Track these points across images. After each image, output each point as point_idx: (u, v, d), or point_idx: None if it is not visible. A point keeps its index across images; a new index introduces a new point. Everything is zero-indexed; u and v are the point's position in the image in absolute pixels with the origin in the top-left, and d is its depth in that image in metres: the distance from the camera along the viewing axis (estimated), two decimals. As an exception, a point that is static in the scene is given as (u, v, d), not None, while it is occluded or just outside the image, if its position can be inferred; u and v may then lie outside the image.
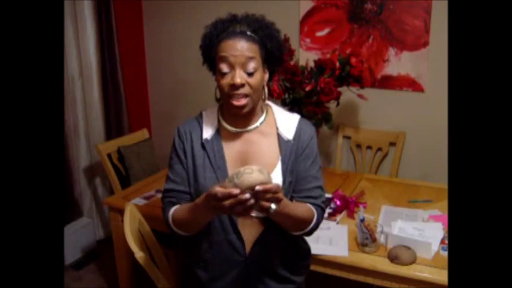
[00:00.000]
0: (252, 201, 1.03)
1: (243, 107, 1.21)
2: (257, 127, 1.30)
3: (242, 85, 1.18)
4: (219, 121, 1.32)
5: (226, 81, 1.19)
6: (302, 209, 1.26)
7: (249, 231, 1.28)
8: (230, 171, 1.27)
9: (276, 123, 1.33)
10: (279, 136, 1.31)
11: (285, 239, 1.32)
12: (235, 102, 1.20)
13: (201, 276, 1.34)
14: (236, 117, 1.27)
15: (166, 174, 1.36)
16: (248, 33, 1.21)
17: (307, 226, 1.28)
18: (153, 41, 3.31)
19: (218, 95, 1.28)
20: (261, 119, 1.31)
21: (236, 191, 1.01)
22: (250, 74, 1.19)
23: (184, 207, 1.26)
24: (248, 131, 1.30)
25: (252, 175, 1.02)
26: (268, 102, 1.36)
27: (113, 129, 2.98)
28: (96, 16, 2.80)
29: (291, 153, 1.29)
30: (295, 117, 1.36)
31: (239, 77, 1.17)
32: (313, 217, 1.28)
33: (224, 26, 1.23)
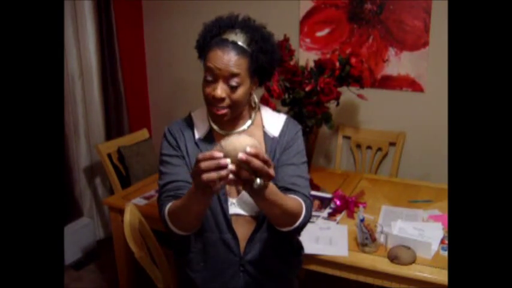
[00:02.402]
0: (230, 166, 0.93)
1: (223, 116, 1.22)
2: (246, 129, 1.31)
3: (223, 99, 1.19)
4: (208, 122, 1.32)
5: (208, 90, 1.20)
6: (291, 201, 1.20)
7: (243, 229, 1.29)
8: None
9: (262, 123, 1.34)
10: (264, 134, 1.32)
11: (278, 236, 1.31)
12: (216, 111, 1.21)
13: (196, 277, 1.33)
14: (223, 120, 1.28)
15: (159, 176, 1.30)
16: (240, 44, 1.19)
17: (296, 220, 1.22)
18: (153, 41, 3.31)
19: None
20: (249, 122, 1.32)
21: (218, 154, 0.93)
22: (233, 88, 1.19)
23: (178, 199, 1.19)
24: (235, 133, 1.29)
25: (239, 137, 0.95)
26: (259, 105, 1.37)
27: (113, 129, 2.99)
28: (96, 16, 2.80)
29: (276, 149, 1.30)
30: (282, 117, 1.38)
31: (220, 89, 1.18)
32: (301, 210, 1.22)
33: (219, 30, 1.22)
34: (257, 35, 1.21)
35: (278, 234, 1.31)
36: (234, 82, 1.18)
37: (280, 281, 1.38)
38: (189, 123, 1.33)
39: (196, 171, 0.96)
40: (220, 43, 1.19)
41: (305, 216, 1.24)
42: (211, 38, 1.21)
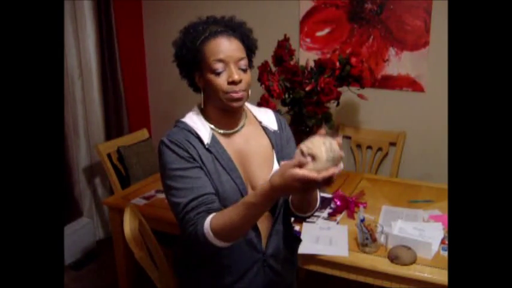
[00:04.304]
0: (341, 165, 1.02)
1: (241, 99, 1.22)
2: (244, 125, 1.32)
3: (240, 81, 1.20)
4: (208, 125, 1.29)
5: (222, 79, 1.19)
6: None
7: (263, 225, 1.30)
8: (240, 170, 1.26)
9: (256, 119, 1.37)
10: (264, 129, 1.35)
11: (287, 226, 1.37)
12: (235, 95, 1.20)
13: (218, 283, 1.30)
14: (224, 118, 1.28)
15: (170, 193, 1.19)
16: (230, 31, 1.22)
17: (316, 203, 1.33)
18: (153, 41, 3.31)
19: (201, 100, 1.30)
20: (244, 118, 1.34)
21: (336, 169, 0.98)
22: (243, 71, 1.21)
23: (227, 212, 1.11)
24: (237, 131, 1.31)
25: (334, 143, 0.99)
26: None
27: (113, 129, 2.98)
28: (96, 16, 2.80)
29: (281, 142, 1.35)
30: (269, 110, 1.42)
31: (237, 73, 1.19)
32: (317, 195, 1.35)
33: (203, 27, 1.23)
34: (234, 23, 1.26)
35: (287, 225, 1.36)
36: (243, 65, 1.21)
37: (291, 267, 1.43)
38: (189, 130, 1.25)
39: (317, 185, 0.99)
40: (216, 33, 1.20)
41: (319, 203, 1.36)
42: (198, 37, 1.22)
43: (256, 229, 1.28)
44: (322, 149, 0.98)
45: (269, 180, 1.02)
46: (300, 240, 1.51)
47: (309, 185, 0.98)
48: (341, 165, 1.01)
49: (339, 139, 1.01)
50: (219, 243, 1.12)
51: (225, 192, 1.21)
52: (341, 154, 1.00)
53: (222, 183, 1.22)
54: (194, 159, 1.20)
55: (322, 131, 1.03)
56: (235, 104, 1.22)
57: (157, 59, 3.32)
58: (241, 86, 1.20)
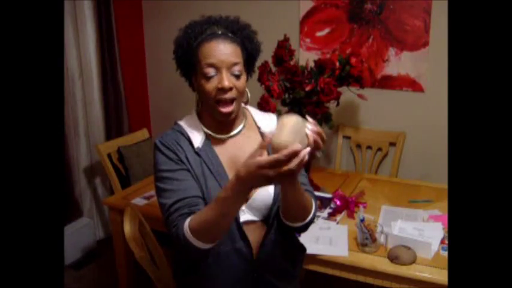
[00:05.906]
0: (308, 149, 0.97)
1: (231, 113, 1.19)
2: (241, 131, 1.29)
3: (230, 88, 1.16)
4: (202, 129, 1.28)
5: (212, 85, 1.16)
6: (304, 193, 1.21)
7: (254, 235, 1.27)
8: (230, 177, 1.24)
9: (256, 124, 1.33)
10: (262, 135, 1.30)
11: (285, 236, 1.31)
12: (223, 110, 1.17)
13: None
14: (219, 123, 1.25)
15: (158, 194, 1.20)
16: (229, 34, 1.19)
17: (309, 214, 1.24)
18: (153, 41, 3.31)
19: (196, 99, 1.27)
20: (243, 123, 1.30)
21: (298, 146, 0.94)
22: (236, 77, 1.17)
23: (203, 210, 1.10)
24: (233, 136, 1.28)
25: (298, 123, 0.98)
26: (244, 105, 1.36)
27: (112, 129, 2.99)
28: (96, 16, 2.81)
29: None
30: (272, 116, 1.37)
31: (227, 80, 1.15)
32: (312, 204, 1.26)
33: (201, 28, 1.20)
34: (237, 25, 1.22)
35: (285, 235, 1.31)
36: (236, 71, 1.17)
37: (290, 279, 1.38)
38: (182, 133, 1.26)
39: (282, 173, 0.94)
40: (212, 36, 1.17)
41: (314, 211, 1.26)
42: (195, 38, 1.19)
43: (245, 238, 1.24)
44: (285, 120, 0.98)
45: (235, 172, 1.01)
46: (304, 250, 1.45)
47: (277, 169, 0.93)
48: (314, 150, 1.00)
49: (312, 121, 1.01)
50: (198, 243, 1.10)
51: (210, 198, 1.19)
52: (313, 132, 0.99)
53: (207, 189, 1.20)
54: (182, 161, 1.20)
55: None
56: (224, 118, 1.20)
57: (157, 59, 3.32)
58: (232, 93, 1.17)
